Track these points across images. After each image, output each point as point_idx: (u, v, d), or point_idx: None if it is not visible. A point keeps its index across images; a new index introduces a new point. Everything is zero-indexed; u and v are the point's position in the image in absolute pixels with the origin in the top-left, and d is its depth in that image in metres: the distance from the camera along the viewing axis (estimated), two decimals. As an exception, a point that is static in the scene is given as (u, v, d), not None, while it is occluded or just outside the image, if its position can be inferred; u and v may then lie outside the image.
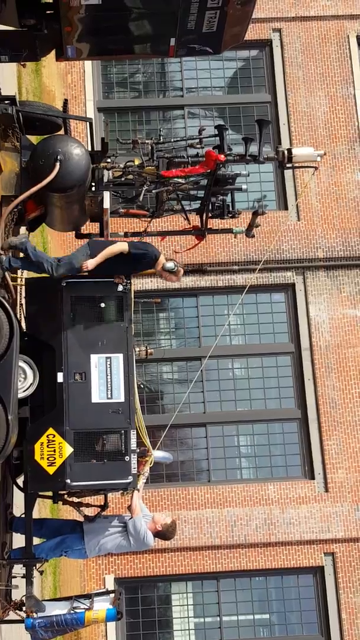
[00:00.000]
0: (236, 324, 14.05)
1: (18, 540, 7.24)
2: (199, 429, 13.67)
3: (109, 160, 7.18)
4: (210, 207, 7.55)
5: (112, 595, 6.77)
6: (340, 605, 12.86)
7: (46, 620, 6.48)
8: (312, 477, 13.32)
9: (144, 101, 14.90)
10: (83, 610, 6.54)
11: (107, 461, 6.69)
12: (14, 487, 7.26)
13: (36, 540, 7.11)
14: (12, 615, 6.90)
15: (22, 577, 6.91)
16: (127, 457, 6.71)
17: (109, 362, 6.83)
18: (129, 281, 7.04)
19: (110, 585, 12.45)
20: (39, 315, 6.85)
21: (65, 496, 7.19)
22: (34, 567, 6.91)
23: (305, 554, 13.01)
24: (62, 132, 7.52)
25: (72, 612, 6.55)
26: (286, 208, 14.17)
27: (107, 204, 7.08)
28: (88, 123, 7.56)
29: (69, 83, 14.55)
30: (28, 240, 6.68)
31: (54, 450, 6.62)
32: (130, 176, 7.21)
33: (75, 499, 7.26)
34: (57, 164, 6.64)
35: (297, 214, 14.15)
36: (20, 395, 6.55)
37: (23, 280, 7.21)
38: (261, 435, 13.75)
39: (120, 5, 6.89)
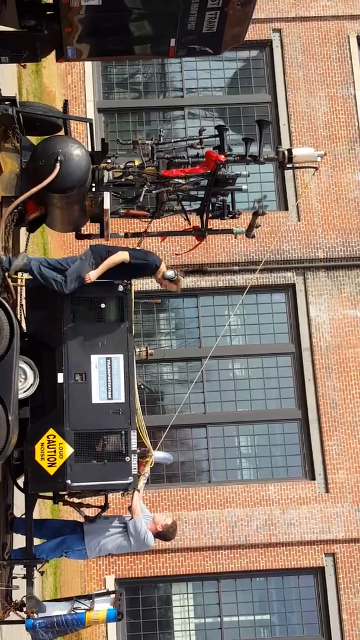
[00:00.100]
0: (236, 325, 14.05)
1: (18, 541, 7.24)
2: (199, 429, 13.67)
3: (109, 160, 7.18)
4: (210, 208, 7.55)
5: (113, 595, 6.77)
6: (341, 605, 12.85)
7: (47, 621, 6.48)
8: (313, 478, 13.31)
9: (144, 102, 14.90)
10: (84, 610, 6.55)
11: (107, 462, 6.69)
12: (15, 487, 7.26)
13: (36, 541, 7.11)
14: (12, 616, 6.90)
15: (22, 577, 6.91)
16: (127, 457, 6.71)
17: (109, 363, 6.83)
18: (129, 282, 7.06)
19: (110, 585, 12.45)
20: (39, 316, 6.85)
21: (66, 497, 7.19)
22: (35, 568, 6.91)
23: (306, 554, 13.00)
24: (62, 132, 7.52)
25: (72, 612, 6.55)
26: (286, 208, 14.17)
27: (107, 204, 7.08)
28: (88, 124, 7.56)
29: (69, 84, 14.56)
30: (29, 257, 6.65)
31: (55, 451, 6.62)
32: (131, 177, 7.21)
33: (76, 500, 7.27)
34: (58, 165, 6.64)
35: (298, 215, 14.15)
36: (21, 395, 6.55)
37: (23, 281, 7.21)
38: (262, 435, 13.74)
39: (120, 6, 6.89)
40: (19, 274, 6.92)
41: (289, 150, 7.43)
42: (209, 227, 7.73)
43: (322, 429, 13.39)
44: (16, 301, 7.22)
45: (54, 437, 6.64)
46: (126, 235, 8.11)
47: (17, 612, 6.78)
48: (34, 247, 11.95)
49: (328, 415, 13.44)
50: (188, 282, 13.78)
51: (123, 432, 6.76)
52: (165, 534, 7.11)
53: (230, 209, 7.60)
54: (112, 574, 12.79)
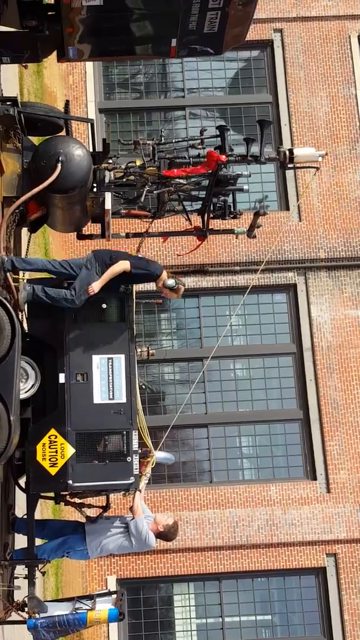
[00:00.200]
0: (238, 325, 14.05)
1: (20, 541, 7.24)
2: (200, 429, 13.67)
3: (110, 161, 7.18)
4: (211, 208, 7.55)
5: (114, 596, 6.77)
6: (342, 606, 12.85)
7: (48, 621, 6.49)
8: (314, 478, 13.31)
9: (146, 102, 14.90)
10: (85, 610, 6.55)
11: (108, 462, 6.69)
12: (16, 488, 7.26)
13: (38, 541, 7.10)
14: (14, 616, 6.90)
15: (24, 578, 6.91)
16: (128, 457, 6.71)
17: (110, 363, 6.83)
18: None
19: (112, 586, 12.45)
20: (40, 316, 6.84)
21: (67, 497, 7.19)
22: (36, 568, 6.91)
23: (308, 555, 13.00)
24: (63, 133, 7.52)
25: (74, 612, 6.55)
26: (288, 208, 14.17)
27: (108, 204, 7.08)
28: (89, 124, 7.56)
29: (71, 84, 14.56)
30: (29, 285, 6.64)
31: (56, 451, 6.62)
32: (132, 177, 7.21)
33: (77, 500, 7.26)
34: (59, 165, 6.65)
35: (299, 215, 14.15)
36: (22, 396, 6.55)
37: (25, 281, 7.20)
38: (263, 436, 13.74)
39: (121, 7, 6.91)
40: (21, 273, 6.92)
41: (290, 150, 7.43)
42: (210, 227, 7.73)
43: (324, 429, 13.39)
44: (17, 301, 7.22)
45: (56, 437, 6.64)
46: (127, 236, 8.11)
47: (19, 612, 6.79)
48: (36, 248, 11.95)
49: (329, 415, 13.44)
50: (189, 282, 13.77)
51: (124, 432, 6.76)
52: (166, 534, 7.11)
53: (232, 209, 7.60)
54: (114, 574, 12.79)
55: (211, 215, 7.62)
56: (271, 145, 13.77)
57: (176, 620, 13.19)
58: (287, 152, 7.41)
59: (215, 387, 13.74)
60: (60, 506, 10.26)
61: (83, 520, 7.20)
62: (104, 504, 7.31)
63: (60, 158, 6.67)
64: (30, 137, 7.17)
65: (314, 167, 7.71)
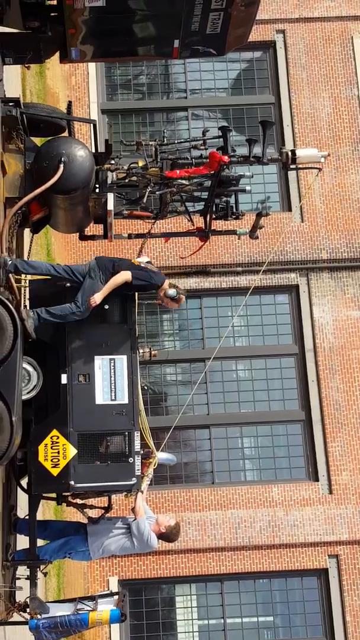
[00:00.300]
0: (240, 326, 14.04)
1: (22, 542, 7.25)
2: (202, 430, 13.66)
3: (112, 161, 7.19)
4: (214, 209, 7.55)
5: (116, 597, 6.77)
6: (344, 607, 12.83)
7: (50, 622, 6.49)
8: (316, 479, 13.30)
9: (148, 103, 14.91)
10: (87, 611, 6.55)
11: (110, 463, 6.70)
12: (18, 488, 7.26)
13: (40, 542, 7.11)
14: (16, 617, 6.90)
15: (26, 578, 6.92)
16: (130, 458, 6.71)
17: (112, 364, 6.83)
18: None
19: (114, 587, 12.45)
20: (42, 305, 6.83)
21: (69, 498, 7.19)
22: (38, 569, 6.91)
23: (310, 556, 12.98)
24: (66, 134, 7.52)
25: (76, 613, 6.55)
26: (290, 209, 14.16)
27: (110, 205, 7.08)
28: (92, 125, 7.56)
29: (73, 85, 14.57)
30: (32, 310, 6.64)
31: (58, 452, 6.62)
32: (134, 178, 7.21)
33: (79, 501, 7.26)
34: (61, 166, 6.65)
35: (301, 216, 14.14)
36: (24, 396, 6.55)
37: (27, 282, 7.21)
38: (265, 437, 13.73)
39: (124, 8, 6.90)
40: (22, 274, 6.92)
41: (293, 151, 7.43)
42: (212, 228, 7.73)
43: (326, 430, 13.38)
44: (19, 302, 7.23)
45: (58, 438, 6.64)
46: (130, 237, 8.11)
47: (21, 613, 6.79)
48: (38, 248, 11.96)
49: (331, 416, 13.43)
50: (191, 283, 13.77)
51: (126, 433, 6.77)
52: (168, 535, 7.11)
53: (234, 210, 7.60)
54: (116, 575, 12.78)
55: (213, 216, 7.62)
56: (273, 146, 13.77)
57: (178, 621, 13.18)
58: (290, 153, 7.41)
59: (217, 388, 13.73)
60: (62, 507, 10.24)
61: (85, 521, 7.20)
62: (106, 505, 7.31)
63: (62, 159, 6.67)
64: (32, 138, 7.18)
65: (316, 168, 7.70)
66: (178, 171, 7.18)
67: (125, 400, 6.80)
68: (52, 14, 7.03)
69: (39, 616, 6.57)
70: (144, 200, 7.30)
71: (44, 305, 6.75)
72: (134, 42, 7.47)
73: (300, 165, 7.57)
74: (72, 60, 7.44)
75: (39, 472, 6.66)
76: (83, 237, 7.80)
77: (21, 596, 6.93)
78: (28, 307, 7.07)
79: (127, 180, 7.23)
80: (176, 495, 13.09)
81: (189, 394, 13.12)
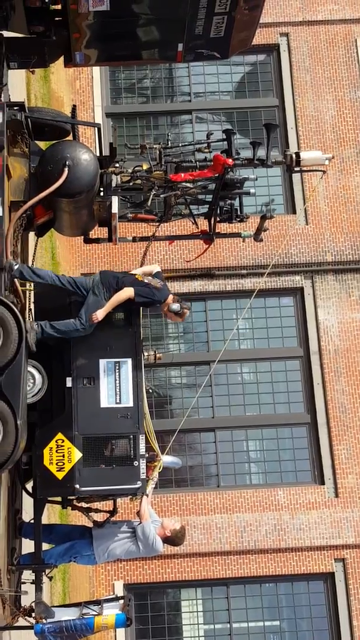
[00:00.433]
0: (245, 328, 14.03)
1: (27, 546, 7.24)
2: (207, 433, 13.64)
3: (117, 165, 7.20)
4: (218, 212, 7.55)
5: (122, 601, 6.76)
6: (351, 611, 12.79)
7: (55, 626, 6.48)
8: (322, 483, 13.26)
9: (152, 106, 14.92)
10: (92, 616, 6.54)
11: (115, 466, 6.69)
12: (23, 492, 7.26)
13: (45, 546, 7.10)
14: (21, 621, 6.89)
15: (31, 582, 6.91)
16: (135, 462, 6.70)
17: (117, 367, 6.83)
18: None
19: (119, 591, 12.43)
20: (47, 318, 6.83)
21: (74, 501, 7.18)
22: (44, 573, 6.91)
23: (316, 560, 12.95)
24: (70, 137, 7.53)
25: (81, 617, 6.55)
26: (294, 212, 14.16)
27: (115, 208, 7.09)
28: (96, 128, 7.57)
29: (77, 89, 14.60)
30: (36, 322, 6.63)
31: (63, 455, 6.62)
32: (139, 181, 7.22)
33: (84, 505, 7.26)
34: (66, 170, 6.66)
35: (306, 218, 14.13)
36: (29, 400, 6.55)
37: (32, 285, 7.21)
38: (270, 440, 13.71)
39: (128, 12, 6.91)
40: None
41: (297, 154, 7.43)
42: (216, 230, 7.73)
43: (331, 433, 13.34)
44: (25, 305, 7.24)
45: (63, 441, 6.64)
46: (134, 240, 8.12)
47: (26, 617, 6.78)
48: (42, 252, 11.97)
49: (337, 419, 13.40)
50: (196, 286, 13.77)
51: (131, 436, 6.76)
52: (173, 539, 7.10)
53: (238, 213, 7.61)
54: (121, 579, 12.76)
55: (218, 219, 7.62)
56: (278, 148, 13.76)
57: (183, 625, 13.15)
58: (294, 156, 7.40)
59: (222, 391, 13.72)
60: (67, 511, 10.25)
61: (90, 524, 7.19)
62: (111, 509, 7.30)
63: (67, 162, 6.68)
64: (37, 142, 7.19)
65: (320, 171, 7.70)
66: (183, 174, 7.19)
67: (130, 404, 6.79)
68: (57, 19, 7.05)
69: (44, 621, 6.56)
70: (149, 203, 7.30)
71: (50, 311, 6.75)
72: (138, 46, 7.48)
73: (304, 168, 7.56)
74: (76, 65, 7.46)
75: (44, 475, 6.65)
76: (88, 241, 7.81)
77: (26, 600, 6.92)
78: (33, 314, 7.08)
79: (131, 184, 7.24)
80: (181, 498, 13.07)
81: (194, 397, 13.11)
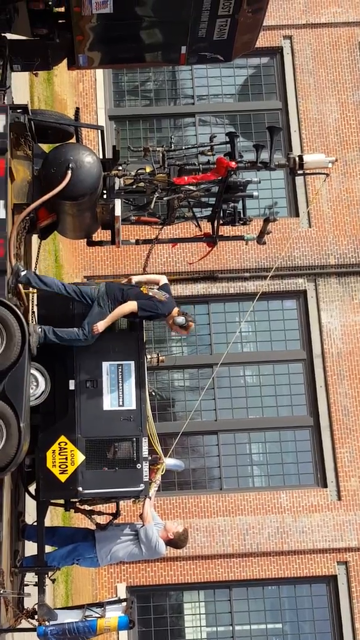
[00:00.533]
0: (247, 331, 14.03)
1: (30, 548, 7.24)
2: (210, 436, 13.64)
3: (120, 168, 7.20)
4: (221, 214, 7.56)
5: (124, 603, 6.76)
6: (353, 614, 12.77)
7: (58, 628, 6.48)
8: (325, 485, 13.25)
9: (155, 109, 14.94)
10: (95, 618, 6.54)
11: (118, 469, 6.69)
12: (26, 494, 7.26)
13: (48, 549, 7.10)
14: (24, 624, 6.89)
15: (34, 585, 6.91)
16: (138, 464, 6.70)
17: (120, 370, 6.83)
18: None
19: (122, 593, 12.42)
20: (50, 323, 6.84)
21: (77, 504, 7.18)
22: (46, 575, 6.91)
23: (318, 562, 12.93)
24: (73, 140, 7.54)
25: (84, 620, 6.54)
26: (297, 215, 14.15)
27: (118, 211, 7.10)
28: (99, 131, 7.58)
29: (81, 91, 14.62)
30: (39, 326, 6.64)
31: (66, 458, 6.62)
32: (142, 184, 7.23)
33: (87, 507, 7.26)
34: (69, 172, 6.67)
35: (309, 221, 14.13)
36: (32, 402, 6.56)
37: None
38: (273, 442, 13.70)
39: (131, 14, 6.93)
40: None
41: (300, 157, 7.44)
42: (219, 233, 7.73)
43: (334, 436, 13.33)
44: (28, 308, 7.24)
45: (66, 444, 6.64)
46: (137, 242, 8.13)
47: (29, 619, 6.78)
48: (46, 254, 11.98)
49: (340, 422, 13.38)
50: (199, 288, 13.77)
51: (134, 439, 6.76)
52: (176, 542, 7.09)
53: (241, 216, 7.61)
54: (124, 581, 12.76)
55: (221, 222, 7.63)
56: (281, 151, 13.76)
57: (186, 628, 13.14)
58: (297, 159, 7.41)
59: (225, 393, 13.71)
60: (70, 513, 10.24)
61: (93, 527, 7.19)
62: (114, 511, 7.30)
63: (70, 165, 6.69)
64: (40, 145, 7.20)
65: (323, 174, 7.70)
66: (186, 178, 7.19)
67: (133, 406, 6.80)
68: (60, 21, 7.07)
69: (47, 623, 6.56)
70: (152, 206, 7.31)
71: (54, 314, 6.75)
72: (142, 49, 7.50)
73: (307, 171, 7.57)
74: (79, 67, 7.47)
75: (47, 478, 6.66)
76: (91, 243, 7.82)
77: (29, 603, 6.92)
78: (36, 317, 7.08)
79: (134, 186, 7.25)
80: (184, 501, 13.06)
81: (197, 399, 13.10)
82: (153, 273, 8.44)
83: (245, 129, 14.54)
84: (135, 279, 7.15)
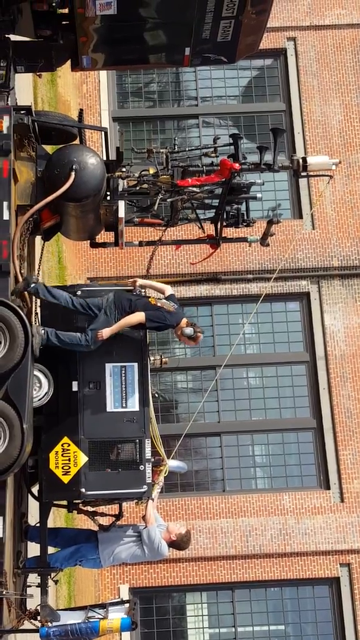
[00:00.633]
0: (251, 333, 14.02)
1: (33, 550, 7.24)
2: (213, 438, 13.63)
3: (124, 169, 7.21)
4: (225, 216, 7.55)
5: (127, 605, 6.76)
6: (356, 616, 12.74)
7: (61, 630, 6.48)
8: (328, 487, 13.23)
9: (159, 110, 14.94)
10: (98, 619, 6.54)
11: (121, 470, 6.69)
12: (29, 496, 7.26)
13: (51, 550, 7.10)
14: (27, 625, 6.89)
15: (36, 586, 6.92)
16: (141, 466, 6.71)
17: (123, 371, 6.83)
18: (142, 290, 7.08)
19: (124, 595, 12.42)
20: (53, 324, 6.85)
21: (80, 505, 7.18)
22: (49, 577, 6.91)
23: (321, 564, 12.91)
24: (77, 141, 7.55)
25: (86, 621, 6.55)
26: (301, 217, 14.15)
27: (122, 213, 7.10)
28: (103, 132, 7.59)
29: (84, 93, 14.63)
30: (43, 327, 6.63)
31: (69, 459, 6.62)
32: (145, 185, 7.23)
33: (90, 508, 7.26)
34: (73, 174, 6.67)
35: (312, 223, 14.12)
36: (35, 404, 6.56)
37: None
38: (276, 444, 13.69)
39: (135, 16, 6.93)
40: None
41: (304, 159, 7.43)
42: (223, 235, 7.73)
43: (337, 438, 13.31)
44: (31, 309, 7.25)
45: (69, 445, 6.64)
46: (140, 244, 8.12)
47: (32, 620, 6.78)
48: (49, 256, 12.00)
49: (343, 424, 13.37)
50: (202, 290, 13.77)
51: (137, 440, 6.76)
52: (179, 543, 7.09)
53: (245, 217, 7.61)
54: (126, 583, 12.75)
55: (224, 224, 7.62)
56: (284, 153, 13.75)
57: (189, 629, 13.13)
58: (301, 161, 7.41)
59: (228, 395, 13.71)
60: (72, 514, 10.24)
61: (96, 528, 7.19)
62: (117, 513, 7.30)
63: (74, 166, 6.69)
64: (44, 146, 7.20)
65: (327, 176, 7.70)
66: (190, 180, 7.19)
67: (136, 408, 6.80)
68: (64, 22, 7.07)
69: (49, 624, 6.56)
70: (155, 207, 7.31)
71: (57, 315, 6.75)
72: (145, 50, 7.50)
73: (311, 173, 7.56)
74: (83, 68, 7.48)
75: (50, 479, 6.66)
76: (94, 245, 7.82)
77: (32, 604, 6.92)
78: (39, 318, 7.08)
79: (138, 188, 7.25)
80: (187, 503, 13.05)
81: (200, 401, 13.09)
82: (157, 279, 8.42)
83: (249, 131, 14.53)
84: (140, 282, 7.12)
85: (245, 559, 12.89)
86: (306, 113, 14.53)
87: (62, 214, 6.99)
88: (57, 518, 10.92)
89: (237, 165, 7.05)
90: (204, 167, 7.28)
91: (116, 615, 6.60)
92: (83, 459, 6.62)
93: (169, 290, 7.11)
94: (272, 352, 13.92)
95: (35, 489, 7.10)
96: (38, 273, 6.78)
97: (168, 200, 7.29)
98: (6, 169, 6.53)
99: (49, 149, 7.40)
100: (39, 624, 6.66)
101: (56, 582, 7.29)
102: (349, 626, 12.77)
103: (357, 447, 13.29)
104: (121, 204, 7.11)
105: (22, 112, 6.83)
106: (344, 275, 13.94)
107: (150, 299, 6.90)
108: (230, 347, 12.74)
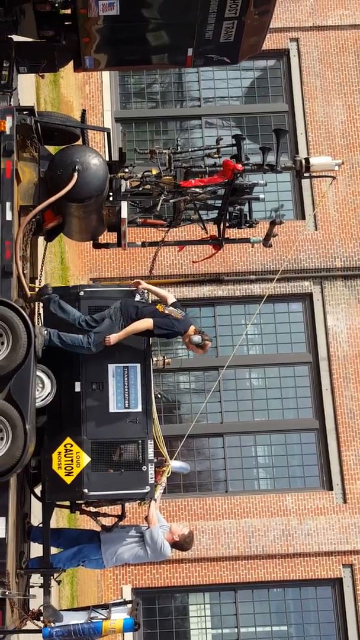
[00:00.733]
0: (253, 334, 14.01)
1: (36, 550, 7.24)
2: (216, 439, 13.63)
3: (126, 170, 7.21)
4: (227, 217, 7.55)
5: (130, 605, 6.76)
6: (358, 617, 12.73)
7: (64, 630, 6.48)
8: (331, 488, 13.22)
9: (162, 111, 14.94)
10: (100, 620, 6.54)
11: (124, 471, 6.69)
12: (32, 496, 7.26)
13: (53, 550, 7.10)
14: (30, 625, 6.89)
15: (39, 586, 6.92)
16: (144, 467, 6.70)
17: (126, 372, 6.83)
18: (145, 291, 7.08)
19: (127, 595, 12.42)
20: (56, 325, 6.85)
21: (83, 506, 7.18)
22: (52, 577, 6.91)
23: (324, 565, 12.90)
24: (80, 142, 7.55)
25: (89, 621, 6.55)
26: (304, 217, 14.14)
27: (124, 213, 7.10)
28: (106, 133, 7.60)
29: (87, 93, 14.64)
30: (46, 328, 6.62)
31: (72, 460, 6.62)
32: (148, 186, 7.23)
33: (93, 509, 7.26)
34: (75, 174, 6.67)
35: (315, 224, 14.11)
36: (38, 404, 6.56)
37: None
38: (279, 445, 13.68)
39: (138, 16, 6.93)
40: (37, 282, 6.94)
41: (307, 160, 7.43)
42: (226, 236, 7.72)
43: (340, 439, 13.30)
44: (34, 310, 7.26)
45: (71, 446, 6.64)
46: (143, 245, 8.13)
47: (34, 621, 6.79)
48: (52, 256, 12.00)
49: (346, 425, 13.36)
50: (205, 291, 13.77)
51: (140, 441, 6.76)
52: (182, 544, 7.09)
53: (248, 218, 7.60)
54: (129, 583, 12.75)
55: (227, 224, 7.62)
56: (287, 154, 13.75)
57: (191, 630, 13.12)
58: (303, 161, 7.41)
59: (231, 396, 13.70)
60: (75, 515, 10.25)
61: (98, 529, 7.19)
62: (120, 513, 7.30)
63: (76, 167, 6.70)
64: (47, 146, 7.21)
65: (330, 176, 7.69)
66: (193, 181, 7.19)
67: (139, 409, 6.80)
68: (67, 23, 7.08)
69: (52, 624, 6.56)
70: (158, 208, 7.31)
71: (58, 322, 6.75)
72: (148, 51, 7.50)
73: (314, 174, 7.56)
74: (86, 69, 7.48)
75: (53, 480, 6.66)
76: (97, 245, 7.82)
77: (35, 604, 6.93)
78: (42, 319, 7.09)
79: (140, 189, 7.25)
80: (189, 503, 13.05)
81: (203, 402, 13.10)
82: (160, 280, 8.40)
83: (252, 132, 14.53)
84: (143, 285, 7.10)
85: (248, 559, 12.89)
86: (309, 114, 14.53)
87: (64, 214, 6.99)
88: (60, 518, 10.93)
89: (239, 166, 7.05)
90: (207, 167, 7.28)
91: (119, 616, 6.60)
92: (86, 459, 6.62)
93: (172, 298, 7.06)
94: (275, 353, 13.92)
95: (38, 490, 7.10)
96: (51, 289, 6.73)
97: (171, 201, 7.30)
98: (9, 170, 6.54)
99: (52, 149, 7.40)
100: (41, 625, 6.66)
101: (59, 582, 7.29)
102: (352, 627, 12.76)
103: (360, 448, 13.28)
104: (124, 205, 7.11)
105: (24, 112, 6.84)
106: (346, 276, 13.93)
107: (157, 307, 6.86)
108: (233, 347, 12.74)
